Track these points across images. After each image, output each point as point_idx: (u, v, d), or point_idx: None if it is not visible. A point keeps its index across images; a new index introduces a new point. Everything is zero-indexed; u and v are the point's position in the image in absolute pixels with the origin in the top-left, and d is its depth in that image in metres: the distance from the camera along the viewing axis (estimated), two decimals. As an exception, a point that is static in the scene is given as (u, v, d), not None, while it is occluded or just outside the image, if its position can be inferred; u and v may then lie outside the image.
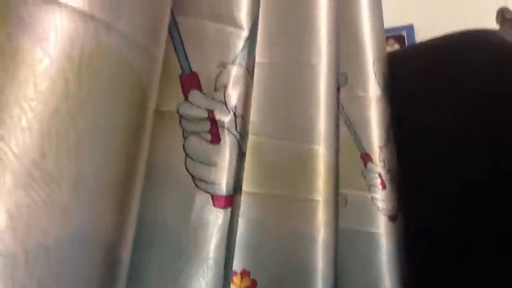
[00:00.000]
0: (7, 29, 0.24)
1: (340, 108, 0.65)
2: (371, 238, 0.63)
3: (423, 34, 1.90)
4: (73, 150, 0.26)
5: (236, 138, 0.40)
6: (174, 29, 0.41)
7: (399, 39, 2.04)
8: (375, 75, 0.70)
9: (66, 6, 0.25)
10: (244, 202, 0.49)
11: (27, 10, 0.24)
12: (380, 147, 0.67)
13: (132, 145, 0.32)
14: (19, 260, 0.23)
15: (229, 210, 0.39)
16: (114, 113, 0.29)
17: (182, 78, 0.40)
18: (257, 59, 0.50)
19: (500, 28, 1.90)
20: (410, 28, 2.07)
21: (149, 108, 0.33)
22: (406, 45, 2.01)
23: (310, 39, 0.57)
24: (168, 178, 0.39)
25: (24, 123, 0.24)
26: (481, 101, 0.61)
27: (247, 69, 0.43)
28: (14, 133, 0.23)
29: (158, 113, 0.38)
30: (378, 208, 0.64)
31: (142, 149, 0.33)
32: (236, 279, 0.49)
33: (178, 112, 0.40)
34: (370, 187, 0.65)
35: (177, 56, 0.41)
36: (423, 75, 0.70)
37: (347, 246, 0.61)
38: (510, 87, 0.58)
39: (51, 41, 0.25)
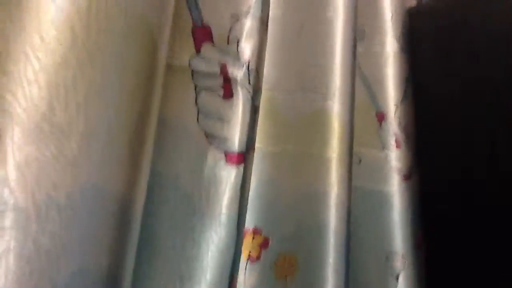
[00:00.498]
0: None
1: (357, 63, 0.63)
2: (384, 197, 0.63)
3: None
4: (82, 102, 0.25)
5: (249, 93, 0.39)
6: None
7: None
8: (393, 30, 0.68)
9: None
10: (257, 159, 0.49)
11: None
12: (396, 105, 0.65)
13: (142, 97, 0.31)
14: (30, 214, 0.23)
15: (241, 166, 0.38)
16: (124, 64, 0.28)
17: (194, 31, 0.39)
18: (271, 12, 0.49)
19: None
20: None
21: (160, 60, 0.32)
22: None
23: (327, 9, 0.55)
24: (181, 133, 0.38)
25: (30, 74, 0.23)
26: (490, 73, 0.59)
27: (261, 21, 0.41)
28: (21, 85, 0.23)
29: (170, 67, 0.37)
30: (392, 167, 0.64)
31: (153, 101, 0.32)
32: (248, 236, 0.49)
33: (190, 66, 0.38)
34: (384, 145, 0.64)
35: (189, 8, 0.39)
36: (438, 35, 0.67)
37: (361, 204, 0.61)
38: None
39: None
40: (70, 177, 0.25)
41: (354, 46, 0.58)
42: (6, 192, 0.22)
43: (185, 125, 0.38)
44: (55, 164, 0.24)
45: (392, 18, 0.68)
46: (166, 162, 0.37)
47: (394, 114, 0.65)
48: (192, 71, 0.38)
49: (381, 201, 0.62)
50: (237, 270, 0.39)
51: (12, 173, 0.22)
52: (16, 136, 0.22)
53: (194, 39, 0.39)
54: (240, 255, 0.39)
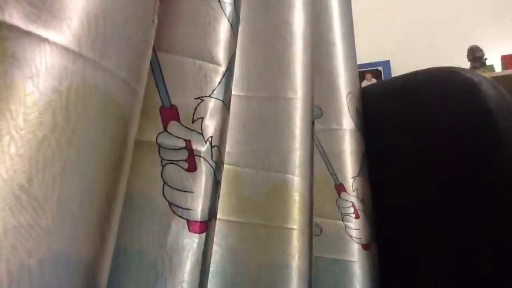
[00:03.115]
0: (3, 67, 0.26)
1: (316, 140, 0.68)
2: (345, 266, 0.65)
3: (399, 70, 1.98)
4: (58, 177, 0.28)
5: (212, 167, 0.43)
6: (155, 65, 0.44)
7: (376, 74, 2.11)
8: (348, 109, 0.74)
9: (56, 45, 0.28)
10: (221, 230, 0.51)
11: (22, 49, 0.27)
12: (354, 178, 0.70)
13: (113, 174, 0.34)
14: (2, 279, 0.25)
15: (204, 235, 0.41)
16: (97, 144, 0.31)
17: (162, 110, 0.43)
18: (234, 92, 0.53)
19: (470, 65, 1.99)
20: (386, 64, 2.15)
21: (130, 140, 0.36)
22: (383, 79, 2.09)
23: (286, 75, 0.60)
24: (146, 205, 0.40)
25: (13, 150, 0.26)
26: (424, 141, 0.65)
27: (223, 102, 0.46)
28: (3, 159, 0.25)
29: (139, 142, 0.40)
30: (351, 236, 0.67)
31: (122, 177, 0.35)
32: None
33: (157, 142, 0.42)
34: (343, 216, 0.68)
35: (158, 90, 0.43)
36: (388, 111, 0.74)
37: (322, 274, 0.63)
38: (452, 125, 0.62)
39: (41, 77, 0.28)
40: (43, 245, 0.27)
41: (313, 123, 0.63)
42: None
43: (150, 196, 0.40)
44: (30, 232, 0.26)
45: (347, 97, 0.74)
46: (132, 233, 0.39)
47: (352, 186, 0.69)
48: (159, 146, 0.42)
49: (342, 270, 0.65)
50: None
51: None
52: None
53: (162, 118, 0.42)
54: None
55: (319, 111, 0.72)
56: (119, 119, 0.33)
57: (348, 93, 0.75)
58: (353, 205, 0.68)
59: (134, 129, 0.36)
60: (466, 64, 1.98)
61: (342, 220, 0.67)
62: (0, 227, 0.25)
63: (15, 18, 0.27)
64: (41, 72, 0.28)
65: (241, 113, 0.56)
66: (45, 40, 0.27)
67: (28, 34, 0.27)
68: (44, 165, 0.27)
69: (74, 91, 0.29)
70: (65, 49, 0.29)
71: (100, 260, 0.32)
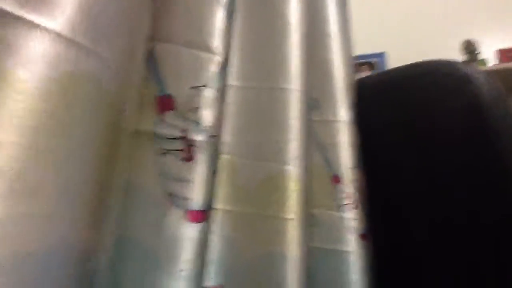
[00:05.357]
0: None
1: (312, 131, 0.68)
2: (342, 257, 0.65)
3: (394, 63, 1.98)
4: (51, 165, 0.28)
5: (208, 157, 0.43)
6: (150, 54, 0.43)
7: (371, 66, 2.11)
8: (344, 101, 0.74)
9: (49, 31, 0.28)
10: (218, 219, 0.51)
11: (13, 35, 0.26)
12: (350, 169, 0.69)
13: (107, 161, 0.34)
14: (5, 266, 0.25)
15: (201, 224, 0.41)
16: (90, 131, 0.31)
17: (157, 100, 0.42)
18: (230, 82, 0.53)
19: (464, 58, 1.99)
20: (381, 56, 2.15)
21: (122, 127, 0.35)
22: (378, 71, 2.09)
23: (281, 66, 0.60)
24: (144, 195, 0.40)
25: (5, 137, 0.26)
26: (417, 132, 0.65)
27: (219, 92, 0.45)
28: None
29: (135, 132, 0.40)
30: (347, 227, 0.67)
31: (115, 164, 0.35)
32: None
33: (153, 132, 0.42)
34: (339, 207, 0.68)
35: (154, 79, 0.43)
36: (382, 103, 0.74)
37: (318, 264, 0.63)
38: (439, 119, 0.62)
39: (33, 63, 0.27)
40: (39, 233, 0.27)
41: (308, 114, 0.63)
42: None
43: (148, 186, 0.40)
44: (25, 220, 0.26)
45: (343, 89, 0.74)
46: (130, 223, 0.39)
47: (349, 177, 0.69)
48: (155, 135, 0.42)
49: (339, 260, 0.65)
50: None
51: None
52: None
53: (158, 107, 0.42)
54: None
55: (315, 103, 0.72)
56: (111, 106, 0.33)
57: (344, 85, 0.74)
58: (348, 196, 0.68)
59: (126, 118, 0.35)
60: (460, 58, 1.99)
61: (338, 211, 0.67)
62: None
63: (6, 3, 0.26)
64: (33, 59, 0.27)
65: (236, 103, 0.56)
66: (37, 26, 0.27)
67: (19, 19, 0.27)
68: (36, 152, 0.27)
69: (67, 78, 0.29)
70: (58, 35, 0.28)
71: (97, 247, 0.32)
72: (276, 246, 0.53)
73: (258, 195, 0.55)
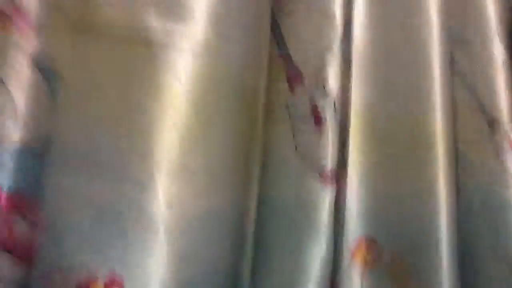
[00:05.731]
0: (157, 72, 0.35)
1: (463, 72, 0.64)
2: (501, 198, 0.60)
3: None
4: (202, 147, 0.37)
5: (339, 121, 0.46)
6: (276, 29, 0.47)
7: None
8: (499, 35, 0.67)
9: (187, 51, 0.36)
10: (360, 172, 0.53)
11: (172, 55, 0.35)
12: (507, 109, 0.64)
13: (249, 137, 0.42)
14: (177, 229, 0.35)
15: (335, 186, 0.45)
16: (232, 122, 0.41)
17: (288, 76, 0.47)
18: (361, 40, 0.53)
19: None
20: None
21: (259, 113, 0.44)
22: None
23: (416, 15, 0.58)
24: (281, 163, 0.45)
25: (171, 130, 0.35)
26: None
27: (346, 55, 0.48)
28: (162, 137, 0.35)
29: (270, 107, 0.46)
30: (508, 168, 0.62)
31: (256, 144, 0.43)
32: (361, 245, 0.52)
33: (286, 105, 0.46)
34: (498, 150, 0.63)
35: (281, 53, 0.47)
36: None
37: (472, 204, 0.60)
38: None
39: (182, 73, 0.36)
40: (200, 201, 0.37)
41: (451, 61, 0.60)
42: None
43: (284, 155, 0.45)
44: (188, 193, 0.36)
45: (497, 22, 0.68)
46: (271, 189, 0.44)
47: (506, 117, 0.64)
48: (288, 108, 0.46)
49: (499, 202, 0.60)
50: (340, 279, 0.45)
51: (163, 205, 0.34)
52: (163, 180, 0.34)
53: (288, 82, 0.46)
54: (340, 266, 0.45)
55: (465, 40, 0.67)
56: (249, 98, 0.42)
57: (498, 19, 0.68)
58: (508, 137, 0.63)
59: (261, 104, 0.43)
60: None
61: (497, 155, 0.63)
62: (168, 194, 0.34)
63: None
64: (183, 72, 0.36)
65: (370, 59, 0.55)
66: (177, 49, 0.36)
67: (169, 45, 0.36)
68: (190, 140, 0.37)
69: (208, 81, 0.38)
70: (196, 54, 0.37)
71: (246, 211, 0.41)
72: (423, 183, 0.54)
73: (401, 138, 0.55)
